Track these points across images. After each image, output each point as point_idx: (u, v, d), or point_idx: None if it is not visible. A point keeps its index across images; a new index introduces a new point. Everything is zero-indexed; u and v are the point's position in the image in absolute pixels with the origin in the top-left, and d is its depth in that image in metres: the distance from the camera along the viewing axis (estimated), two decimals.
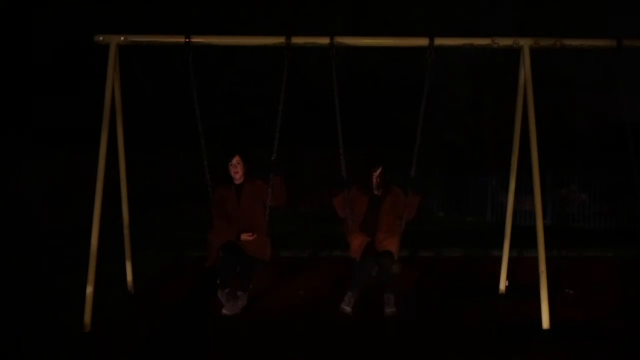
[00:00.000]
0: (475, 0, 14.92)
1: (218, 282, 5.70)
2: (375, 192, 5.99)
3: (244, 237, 5.72)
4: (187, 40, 5.48)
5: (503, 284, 6.43)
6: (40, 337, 5.01)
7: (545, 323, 5.23)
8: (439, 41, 5.51)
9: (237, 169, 5.86)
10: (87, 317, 5.21)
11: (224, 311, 5.63)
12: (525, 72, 5.61)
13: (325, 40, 5.52)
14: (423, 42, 5.54)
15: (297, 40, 5.51)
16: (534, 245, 5.39)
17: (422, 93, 5.61)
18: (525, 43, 5.55)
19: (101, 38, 5.51)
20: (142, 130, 12.77)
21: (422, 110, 5.60)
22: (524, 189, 7.66)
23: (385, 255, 5.72)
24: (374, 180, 5.95)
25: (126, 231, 6.23)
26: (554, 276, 6.92)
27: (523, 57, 5.58)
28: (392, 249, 5.74)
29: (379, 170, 5.94)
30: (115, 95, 5.74)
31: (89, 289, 5.25)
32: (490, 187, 13.34)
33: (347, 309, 5.72)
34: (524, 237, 7.13)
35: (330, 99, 5.67)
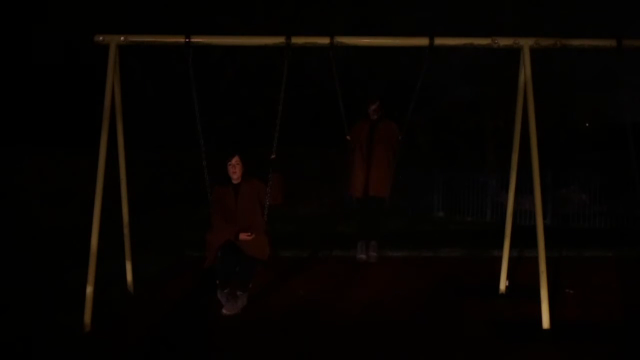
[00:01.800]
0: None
1: (217, 282, 5.71)
2: (372, 119, 7.11)
3: (243, 236, 5.73)
4: (187, 40, 5.48)
5: (503, 284, 6.43)
6: (40, 337, 5.01)
7: (545, 323, 5.23)
8: (439, 41, 5.52)
9: (235, 169, 5.87)
10: (87, 317, 5.21)
11: (224, 311, 5.63)
12: (525, 72, 5.61)
13: (325, 40, 5.52)
14: (423, 42, 5.54)
15: (297, 40, 5.51)
16: (534, 245, 5.39)
17: (422, 93, 5.63)
18: (525, 43, 5.55)
19: (101, 38, 5.52)
20: (142, 130, 12.78)
21: (413, 102, 5.93)
22: (524, 189, 7.66)
23: (379, 203, 6.97)
24: (371, 112, 7.08)
25: (126, 231, 6.23)
26: (554, 276, 6.92)
27: (523, 57, 5.58)
28: (384, 195, 6.91)
29: (375, 104, 7.09)
30: (115, 95, 5.74)
31: (89, 289, 5.25)
32: (490, 187, 13.32)
33: (363, 256, 7.02)
34: (524, 237, 7.12)
35: (331, 99, 5.68)
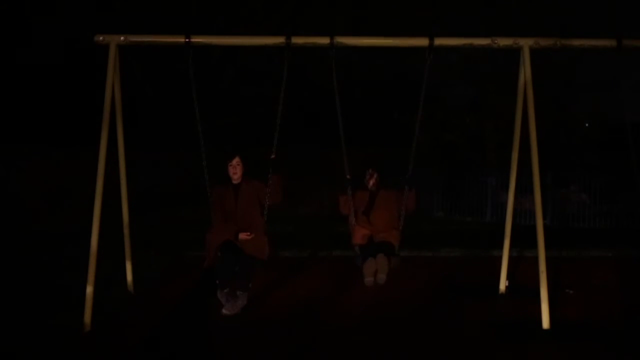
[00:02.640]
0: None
1: (217, 282, 5.71)
2: (371, 189, 6.50)
3: (242, 236, 5.73)
4: (187, 40, 5.48)
5: (503, 284, 6.43)
6: (40, 337, 5.01)
7: (545, 323, 5.23)
8: (439, 41, 5.52)
9: (236, 170, 5.89)
10: (87, 317, 5.21)
11: (224, 311, 5.63)
12: (525, 72, 5.61)
13: (325, 40, 5.52)
14: (423, 42, 5.54)
15: (297, 40, 5.51)
16: (534, 245, 5.39)
17: (421, 92, 5.62)
18: (525, 43, 5.55)
19: (101, 38, 5.52)
20: (142, 130, 12.78)
21: (419, 111, 5.65)
22: (524, 189, 7.66)
23: (386, 244, 6.07)
24: (370, 183, 6.48)
25: (126, 231, 6.23)
26: (554, 276, 6.92)
27: (523, 57, 5.58)
28: (392, 240, 6.11)
29: (374, 176, 6.49)
30: (115, 95, 5.74)
31: (89, 289, 5.25)
32: (490, 187, 13.32)
33: (370, 280, 5.93)
34: (524, 237, 7.13)
35: (331, 99, 5.67)
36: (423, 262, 8.19)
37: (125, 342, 5.03)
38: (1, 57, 14.79)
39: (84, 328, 5.18)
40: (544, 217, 7.95)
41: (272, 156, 5.68)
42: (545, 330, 5.19)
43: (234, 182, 5.94)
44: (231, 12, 14.12)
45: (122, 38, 5.51)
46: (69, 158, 13.67)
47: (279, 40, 5.53)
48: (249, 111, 15.26)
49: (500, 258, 6.42)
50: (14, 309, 5.76)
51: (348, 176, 6.03)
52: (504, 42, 5.56)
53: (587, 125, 16.90)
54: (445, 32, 6.46)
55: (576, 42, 5.60)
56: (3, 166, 12.74)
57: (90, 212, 5.37)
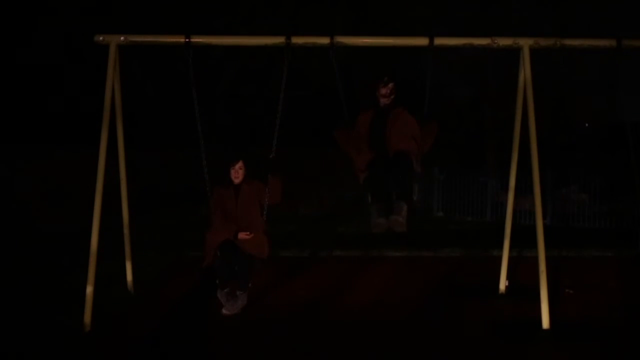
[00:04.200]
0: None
1: (217, 281, 5.71)
2: (382, 106, 5.34)
3: (242, 236, 5.74)
4: (187, 40, 5.48)
5: (503, 284, 6.43)
6: (40, 337, 5.01)
7: (545, 323, 5.23)
8: (439, 41, 5.51)
9: (238, 174, 5.90)
10: (87, 317, 5.21)
11: (224, 311, 5.63)
12: (525, 72, 5.60)
13: (325, 40, 5.52)
14: (423, 42, 5.54)
15: (297, 40, 5.51)
16: (534, 245, 5.38)
17: (421, 92, 5.60)
18: (525, 43, 5.54)
19: (101, 38, 5.52)
20: (142, 130, 12.78)
21: (425, 109, 5.55)
22: (524, 189, 7.66)
23: (400, 156, 4.90)
24: (382, 92, 5.33)
25: (126, 231, 6.23)
26: (554, 276, 6.92)
27: (523, 57, 5.58)
28: (408, 153, 4.94)
29: (390, 84, 5.32)
30: (115, 95, 5.74)
31: (89, 289, 5.25)
32: (490, 187, 13.33)
33: (381, 221, 4.72)
34: (524, 237, 7.13)
35: (331, 99, 5.67)
36: (423, 262, 8.19)
37: (125, 342, 5.03)
38: (1, 57, 14.78)
39: (84, 328, 5.18)
40: (544, 217, 7.95)
41: (272, 155, 5.68)
42: (545, 330, 5.19)
43: (235, 182, 5.95)
44: (231, 12, 14.11)
45: (122, 38, 5.51)
46: (69, 158, 13.67)
47: (279, 40, 5.53)
48: (249, 111, 15.26)
49: (500, 258, 6.42)
50: (14, 309, 5.76)
51: (345, 117, 5.20)
52: (504, 42, 5.56)
53: (587, 125, 16.91)
54: (445, 32, 6.46)
55: (576, 42, 5.59)
56: (3, 166, 12.74)
57: (90, 212, 5.37)
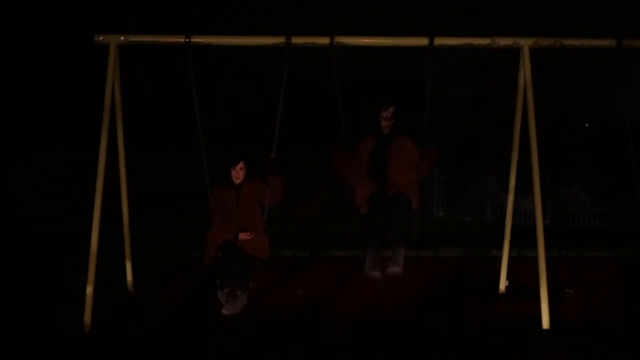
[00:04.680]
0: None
1: (217, 282, 5.71)
2: (384, 132, 5.43)
3: (242, 236, 5.74)
4: (187, 40, 5.48)
5: (503, 284, 6.43)
6: (40, 337, 5.01)
7: (545, 323, 5.23)
8: (439, 41, 5.51)
9: (239, 175, 5.89)
10: (87, 317, 5.21)
11: (224, 311, 5.63)
12: (525, 72, 5.60)
13: (325, 40, 5.52)
14: (423, 42, 5.54)
15: (297, 40, 5.51)
16: (534, 245, 5.39)
17: (421, 92, 5.61)
18: (525, 43, 5.54)
19: (101, 38, 5.51)
20: (142, 130, 12.77)
21: (426, 112, 5.56)
22: (524, 189, 7.65)
23: (400, 197, 5.06)
24: (384, 118, 5.42)
25: (126, 231, 6.23)
26: (554, 276, 6.92)
27: (523, 57, 5.58)
28: (407, 192, 5.11)
29: (390, 109, 5.41)
30: (115, 95, 5.74)
31: (89, 289, 5.25)
32: (490, 187, 13.33)
33: (376, 274, 5.01)
34: (524, 237, 7.13)
35: (331, 99, 5.66)
36: (423, 262, 8.19)
37: (125, 342, 5.03)
38: (1, 57, 14.78)
39: (84, 328, 5.18)
40: (544, 217, 7.94)
41: (272, 156, 5.68)
42: (545, 330, 5.19)
43: (236, 182, 5.95)
44: (231, 12, 14.11)
45: (122, 38, 5.51)
46: (69, 158, 13.67)
47: (279, 40, 5.53)
48: (249, 111, 15.26)
49: (500, 258, 6.42)
50: (14, 309, 5.76)
51: (344, 135, 5.21)
52: (504, 42, 5.56)
53: (587, 125, 16.91)
54: (445, 32, 6.46)
55: (576, 42, 5.59)
56: (3, 166, 12.74)
57: (90, 212, 5.37)
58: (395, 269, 5.04)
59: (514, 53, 5.73)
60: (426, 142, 5.26)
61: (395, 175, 5.23)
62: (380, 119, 5.50)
